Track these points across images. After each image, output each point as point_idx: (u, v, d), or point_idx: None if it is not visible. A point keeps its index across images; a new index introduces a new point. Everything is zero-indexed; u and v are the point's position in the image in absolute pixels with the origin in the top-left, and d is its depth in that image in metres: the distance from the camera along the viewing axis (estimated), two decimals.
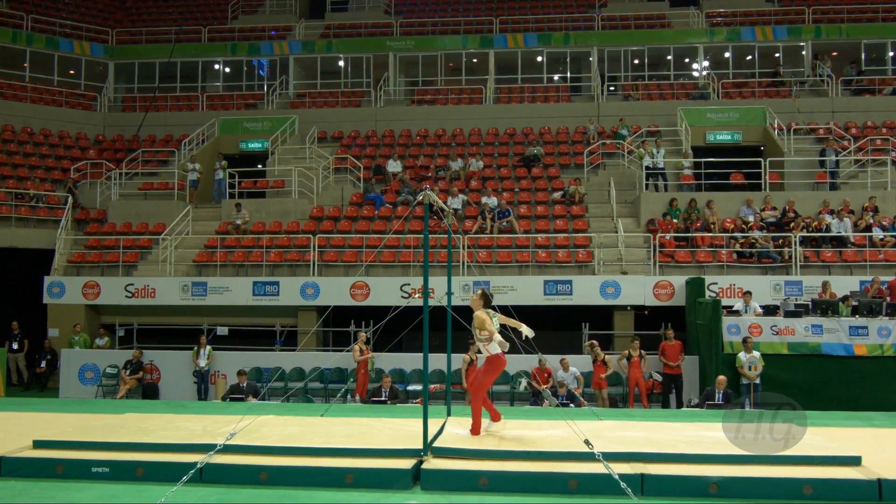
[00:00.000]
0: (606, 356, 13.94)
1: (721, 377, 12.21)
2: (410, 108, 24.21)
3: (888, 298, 13.73)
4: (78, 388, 15.47)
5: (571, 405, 11.99)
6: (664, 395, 13.93)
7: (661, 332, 15.05)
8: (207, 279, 16.72)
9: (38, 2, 26.76)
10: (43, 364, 16.90)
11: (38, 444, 6.46)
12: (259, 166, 22.17)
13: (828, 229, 16.48)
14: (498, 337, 6.74)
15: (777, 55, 24.70)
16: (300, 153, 21.14)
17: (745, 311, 13.75)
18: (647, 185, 18.44)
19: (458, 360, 13.66)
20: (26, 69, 24.56)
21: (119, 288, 16.88)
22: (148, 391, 15.12)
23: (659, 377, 14.10)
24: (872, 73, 23.73)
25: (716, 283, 15.39)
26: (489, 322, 6.80)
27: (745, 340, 12.90)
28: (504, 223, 17.61)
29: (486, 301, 7.05)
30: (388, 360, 14.53)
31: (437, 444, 6.35)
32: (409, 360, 14.81)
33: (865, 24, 24.55)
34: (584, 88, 25.37)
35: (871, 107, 22.31)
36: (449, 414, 8.01)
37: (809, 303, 13.70)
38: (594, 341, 14.14)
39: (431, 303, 6.68)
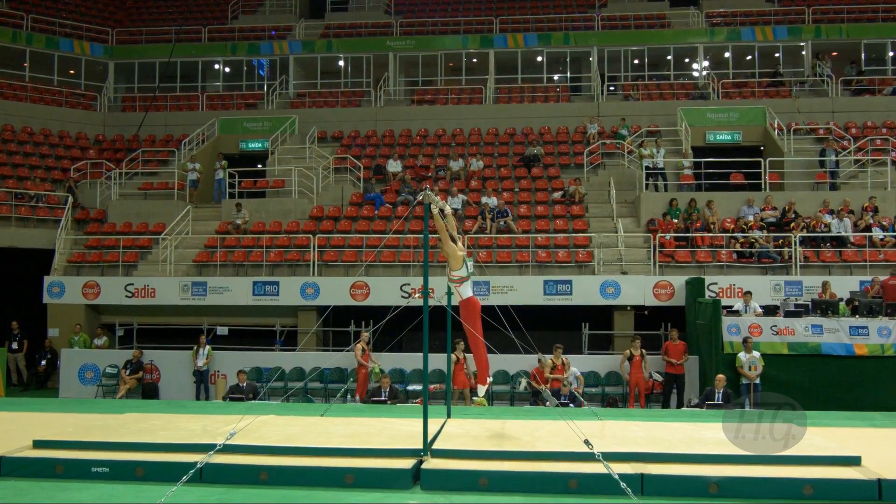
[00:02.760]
0: (566, 359, 13.54)
1: (720, 376, 12.20)
2: (410, 108, 24.20)
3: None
4: (78, 388, 15.47)
5: (571, 405, 11.99)
6: (664, 395, 13.92)
7: (660, 332, 15.07)
8: (207, 279, 16.72)
9: (38, 2, 26.76)
10: (43, 363, 16.90)
11: (38, 444, 6.45)
12: (259, 166, 22.17)
13: (827, 229, 16.48)
14: (467, 284, 7.05)
15: (777, 55, 24.70)
16: (300, 153, 21.14)
17: (745, 311, 13.75)
18: (647, 185, 18.44)
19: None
20: (26, 69, 24.56)
21: (119, 288, 16.88)
22: (148, 391, 15.12)
23: (659, 377, 14.10)
24: (872, 73, 23.73)
25: (716, 283, 15.39)
26: (459, 260, 7.00)
27: (745, 340, 12.89)
28: (502, 223, 17.61)
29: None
30: (388, 360, 14.52)
31: (437, 444, 6.35)
32: (409, 360, 14.82)
33: (865, 24, 24.55)
34: (584, 88, 25.37)
35: (871, 107, 22.30)
36: (449, 414, 8.00)
37: (809, 303, 13.70)
38: (560, 346, 13.62)
39: (431, 303, 6.67)
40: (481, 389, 7.74)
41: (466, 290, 7.16)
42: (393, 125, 23.29)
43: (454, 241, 7.25)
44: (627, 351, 13.98)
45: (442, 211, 7.14)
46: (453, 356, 13.50)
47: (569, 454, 6.04)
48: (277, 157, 21.06)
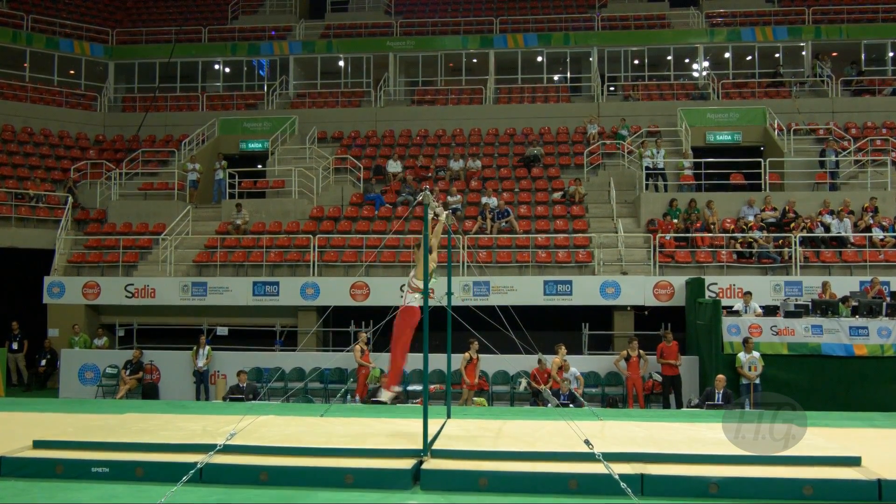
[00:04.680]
0: (564, 360, 13.42)
1: (720, 376, 12.21)
2: (410, 108, 24.20)
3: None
4: (78, 388, 15.47)
5: (571, 405, 11.99)
6: (664, 396, 13.92)
7: (660, 333, 15.05)
8: (207, 279, 16.72)
9: (38, 2, 26.76)
10: (43, 364, 16.90)
11: (38, 444, 6.46)
12: (259, 166, 22.17)
13: (827, 229, 16.48)
14: (418, 295, 6.90)
15: (777, 55, 24.70)
16: (300, 153, 21.14)
17: (745, 312, 13.75)
18: (647, 186, 18.44)
19: (458, 360, 13.63)
20: (26, 69, 24.55)
21: (119, 288, 16.88)
22: (148, 391, 15.12)
23: (659, 377, 14.09)
24: (872, 74, 23.72)
25: (716, 284, 15.39)
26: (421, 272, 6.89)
27: (745, 341, 12.89)
28: (504, 223, 17.62)
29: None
30: (388, 361, 14.46)
31: (437, 444, 6.35)
32: (409, 360, 14.70)
33: (865, 24, 24.54)
34: (584, 88, 25.37)
35: (871, 107, 22.30)
36: (449, 414, 8.01)
37: (809, 303, 13.70)
38: (562, 344, 13.53)
39: (431, 303, 6.67)
40: (384, 394, 7.58)
41: (413, 300, 7.04)
42: (393, 125, 23.29)
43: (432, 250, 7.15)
44: (624, 352, 13.97)
45: (436, 215, 7.14)
46: (466, 355, 13.55)
47: (569, 454, 6.04)
48: (277, 158, 21.06)
